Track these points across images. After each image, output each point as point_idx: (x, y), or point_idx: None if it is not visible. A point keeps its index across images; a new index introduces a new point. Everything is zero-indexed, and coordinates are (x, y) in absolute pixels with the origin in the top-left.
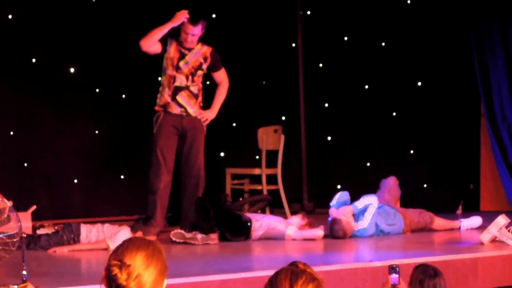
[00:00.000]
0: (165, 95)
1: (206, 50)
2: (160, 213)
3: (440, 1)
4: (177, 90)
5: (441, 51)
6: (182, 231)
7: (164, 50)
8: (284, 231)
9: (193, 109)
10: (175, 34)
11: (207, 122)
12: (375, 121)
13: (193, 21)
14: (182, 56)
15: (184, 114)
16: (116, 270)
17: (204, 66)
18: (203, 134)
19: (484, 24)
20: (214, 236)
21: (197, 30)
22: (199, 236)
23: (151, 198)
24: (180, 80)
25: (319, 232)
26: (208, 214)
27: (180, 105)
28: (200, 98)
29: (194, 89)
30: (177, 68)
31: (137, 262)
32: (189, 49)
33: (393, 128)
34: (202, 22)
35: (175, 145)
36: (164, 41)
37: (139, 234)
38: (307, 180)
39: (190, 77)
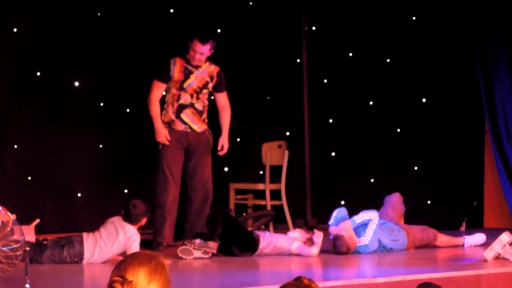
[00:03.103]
0: (169, 112)
1: (214, 69)
2: (168, 227)
3: (445, 18)
4: (181, 108)
5: (446, 68)
6: (190, 248)
7: (167, 81)
8: (289, 248)
9: (197, 125)
10: (181, 52)
11: (225, 151)
12: (379, 137)
13: (202, 39)
14: (187, 77)
15: (189, 130)
16: (118, 287)
17: (210, 85)
18: (210, 148)
19: (489, 41)
20: (212, 245)
21: (205, 49)
22: (197, 241)
23: (159, 213)
24: (185, 98)
25: (313, 251)
26: (215, 225)
27: (185, 123)
28: (205, 115)
29: (199, 106)
30: (181, 89)
31: (140, 277)
32: (196, 67)
33: (398, 145)
34: (211, 41)
35: (182, 160)
36: (166, 75)
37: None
38: (311, 195)
39: (195, 95)
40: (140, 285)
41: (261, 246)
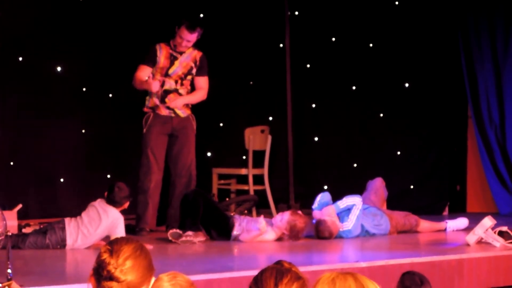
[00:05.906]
0: (154, 98)
1: (197, 54)
2: (151, 212)
3: (428, 3)
4: (166, 93)
5: (429, 53)
6: (180, 231)
7: (153, 66)
8: (256, 230)
9: (181, 110)
10: (164, 38)
11: (175, 104)
12: (362, 122)
13: (190, 28)
14: (171, 63)
15: (173, 115)
16: (105, 255)
17: (194, 71)
18: (193, 133)
19: (472, 26)
20: (201, 235)
21: (193, 37)
22: (190, 233)
23: (141, 198)
24: (170, 84)
25: (267, 236)
26: (197, 211)
27: (169, 108)
28: None
29: (183, 91)
30: (166, 75)
31: (126, 251)
32: (180, 53)
33: (380, 129)
34: (199, 29)
35: (165, 145)
36: (152, 59)
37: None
38: (293, 180)
39: (179, 81)
40: (126, 258)
41: (234, 233)
